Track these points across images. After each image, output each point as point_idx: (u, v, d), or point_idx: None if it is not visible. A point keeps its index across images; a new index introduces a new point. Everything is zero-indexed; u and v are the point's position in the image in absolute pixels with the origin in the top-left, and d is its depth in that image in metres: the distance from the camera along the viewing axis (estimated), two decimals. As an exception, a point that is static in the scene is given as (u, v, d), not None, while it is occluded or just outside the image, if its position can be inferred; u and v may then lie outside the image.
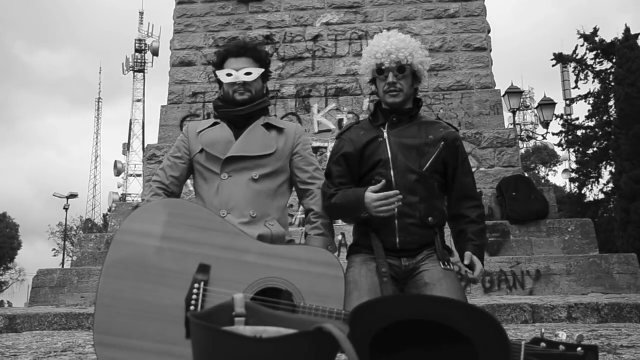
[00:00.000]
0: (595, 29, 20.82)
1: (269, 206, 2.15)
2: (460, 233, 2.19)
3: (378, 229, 2.11)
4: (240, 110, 2.23)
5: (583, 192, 21.47)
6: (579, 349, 1.38)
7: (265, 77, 2.35)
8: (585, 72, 21.21)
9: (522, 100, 19.06)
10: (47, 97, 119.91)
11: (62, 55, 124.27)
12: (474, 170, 8.50)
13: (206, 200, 2.15)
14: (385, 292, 1.97)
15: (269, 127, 2.28)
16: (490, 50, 9.25)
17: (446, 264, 2.07)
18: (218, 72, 2.30)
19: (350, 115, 8.65)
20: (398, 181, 2.10)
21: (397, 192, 2.02)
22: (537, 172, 31.65)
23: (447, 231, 2.27)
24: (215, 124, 2.29)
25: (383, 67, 2.17)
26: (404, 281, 2.10)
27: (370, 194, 2.03)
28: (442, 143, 2.16)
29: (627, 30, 18.56)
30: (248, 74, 2.24)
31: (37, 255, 58.49)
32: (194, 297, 1.64)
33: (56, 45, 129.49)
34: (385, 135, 2.18)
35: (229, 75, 2.24)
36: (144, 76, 38.49)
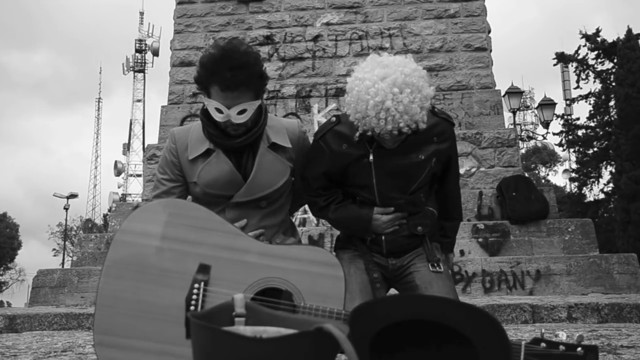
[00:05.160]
0: (597, 29, 20.84)
1: (274, 222, 2.09)
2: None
3: (364, 238, 2.08)
4: (237, 143, 1.97)
5: (583, 192, 21.49)
6: (579, 349, 1.38)
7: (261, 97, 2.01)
8: (586, 72, 21.23)
9: (522, 100, 19.07)
10: (30, 97, 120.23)
11: (42, 55, 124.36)
12: (474, 170, 8.44)
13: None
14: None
15: (274, 147, 2.03)
16: (491, 50, 9.26)
17: (435, 265, 2.01)
18: (205, 100, 1.95)
19: (350, 115, 8.65)
20: (383, 204, 2.02)
21: (406, 214, 2.03)
22: (537, 172, 31.65)
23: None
24: (208, 150, 2.00)
25: (380, 136, 1.88)
26: (393, 279, 2.09)
27: (381, 217, 2.01)
28: (434, 159, 2.01)
29: (629, 30, 18.57)
30: (242, 112, 1.90)
31: (31, 255, 58.62)
32: (194, 297, 1.64)
33: (36, 45, 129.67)
34: (372, 157, 1.97)
35: (219, 111, 1.89)
36: (144, 76, 38.55)
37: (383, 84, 1.78)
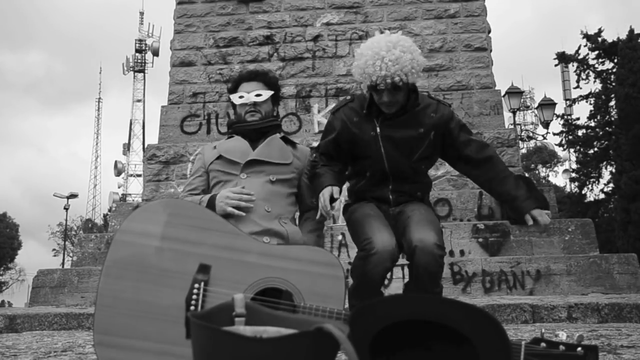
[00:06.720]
0: (599, 29, 20.83)
1: (283, 207, 2.23)
2: (503, 180, 2.39)
3: (375, 197, 2.37)
4: (253, 125, 2.38)
5: (583, 192, 21.46)
6: (579, 348, 1.39)
7: (275, 100, 2.50)
8: (586, 72, 21.21)
9: (522, 100, 19.05)
10: (26, 97, 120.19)
11: (36, 55, 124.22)
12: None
13: None
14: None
15: (285, 140, 2.42)
16: (491, 50, 9.25)
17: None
18: (231, 96, 2.48)
19: (351, 115, 8.64)
20: (391, 171, 2.32)
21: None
22: (537, 172, 31.64)
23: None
24: (230, 137, 2.43)
25: (378, 88, 2.20)
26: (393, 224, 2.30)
27: (325, 193, 2.23)
28: (433, 132, 2.31)
29: (632, 30, 18.56)
30: (258, 95, 2.42)
31: (28, 255, 58.49)
32: (194, 297, 1.64)
33: (31, 45, 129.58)
34: (378, 130, 2.30)
35: (241, 97, 2.43)
36: (144, 76, 38.53)
37: (381, 42, 2.19)
